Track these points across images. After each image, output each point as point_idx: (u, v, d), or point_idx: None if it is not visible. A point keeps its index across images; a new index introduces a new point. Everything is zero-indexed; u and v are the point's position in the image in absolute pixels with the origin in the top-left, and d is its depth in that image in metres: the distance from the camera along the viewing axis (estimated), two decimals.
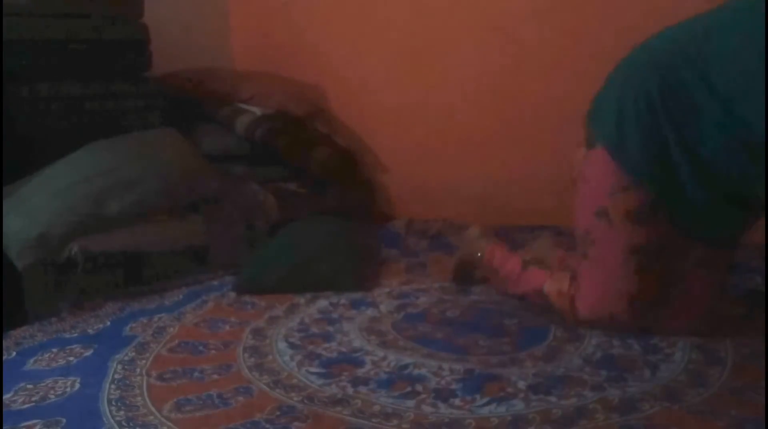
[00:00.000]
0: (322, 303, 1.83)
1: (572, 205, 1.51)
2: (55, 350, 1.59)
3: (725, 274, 1.50)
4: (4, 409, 1.30)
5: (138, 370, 1.45)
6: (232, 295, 1.91)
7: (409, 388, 1.31)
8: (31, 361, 1.54)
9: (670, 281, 1.43)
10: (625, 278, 1.40)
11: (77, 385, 1.40)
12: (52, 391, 1.37)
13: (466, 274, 1.89)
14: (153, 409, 1.28)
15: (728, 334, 1.46)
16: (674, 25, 1.40)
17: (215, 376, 1.41)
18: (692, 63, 1.28)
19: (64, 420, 1.25)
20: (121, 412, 1.26)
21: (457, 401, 1.26)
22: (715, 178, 1.31)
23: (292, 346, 1.55)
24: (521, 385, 1.30)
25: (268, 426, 1.20)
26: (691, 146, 1.30)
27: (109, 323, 1.75)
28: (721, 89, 1.24)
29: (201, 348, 1.57)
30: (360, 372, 1.40)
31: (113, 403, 1.30)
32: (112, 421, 1.24)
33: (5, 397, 1.35)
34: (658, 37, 1.41)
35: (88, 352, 1.57)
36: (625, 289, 1.41)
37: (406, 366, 1.41)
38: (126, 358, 1.52)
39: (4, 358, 1.56)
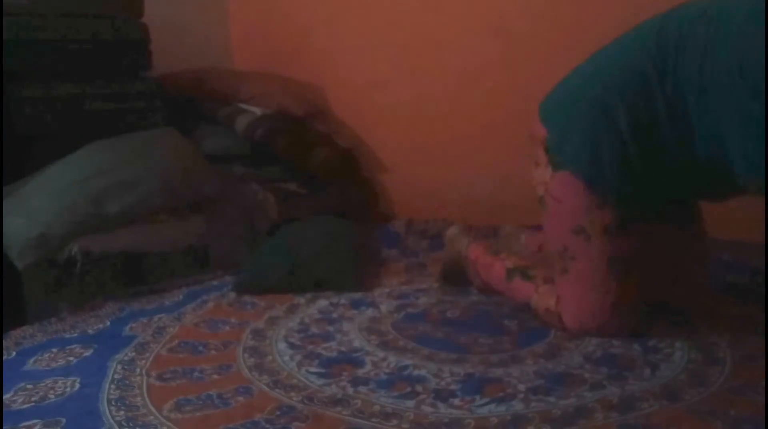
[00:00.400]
0: (322, 303, 1.83)
1: (543, 224, 1.54)
2: (55, 350, 1.59)
3: (704, 242, 1.61)
4: (4, 409, 1.30)
5: (138, 370, 1.45)
6: (232, 295, 1.91)
7: (408, 389, 1.31)
8: (31, 361, 1.54)
9: (654, 277, 1.51)
10: (607, 288, 1.44)
11: (77, 385, 1.39)
12: (51, 391, 1.37)
13: (454, 274, 1.89)
14: (153, 409, 1.28)
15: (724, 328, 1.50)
16: (620, 42, 1.45)
17: (215, 376, 1.41)
18: (662, 96, 1.33)
19: (63, 420, 1.25)
20: (121, 412, 1.26)
21: (456, 401, 1.26)
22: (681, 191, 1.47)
23: (292, 346, 1.55)
24: (521, 387, 1.30)
25: (268, 426, 1.20)
26: (658, 173, 1.40)
27: (108, 323, 1.75)
28: (687, 110, 1.31)
29: (201, 348, 1.57)
30: (360, 372, 1.40)
31: (113, 403, 1.30)
32: (111, 421, 1.24)
33: (5, 397, 1.35)
34: (616, 45, 1.45)
35: (88, 352, 1.57)
36: (608, 298, 1.45)
37: (405, 367, 1.41)
38: (126, 358, 1.52)
39: (4, 358, 1.56)
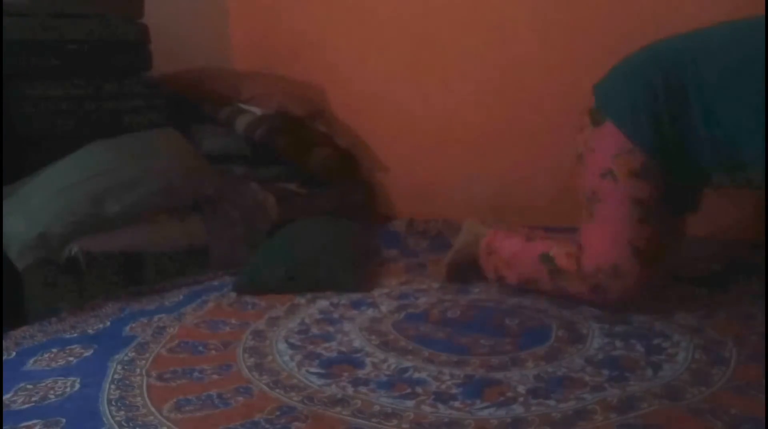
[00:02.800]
0: (323, 303, 1.83)
1: (578, 177, 1.66)
2: (55, 350, 1.59)
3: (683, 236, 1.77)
4: (4, 409, 1.30)
5: (138, 370, 1.45)
6: (233, 295, 1.91)
7: (408, 390, 1.31)
8: (31, 361, 1.54)
9: (662, 239, 1.61)
10: (629, 228, 1.56)
11: (77, 385, 1.39)
12: (52, 391, 1.37)
13: (461, 272, 1.90)
14: (153, 409, 1.28)
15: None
16: (679, 34, 1.60)
17: (215, 377, 1.41)
18: (689, 67, 1.50)
19: (63, 420, 1.25)
20: (121, 412, 1.26)
21: (456, 403, 1.26)
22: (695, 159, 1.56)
23: (292, 346, 1.55)
24: (521, 389, 1.29)
25: (268, 426, 1.20)
26: (681, 131, 1.53)
27: (109, 323, 1.75)
28: (706, 95, 1.47)
29: (201, 348, 1.57)
30: (360, 373, 1.40)
31: (113, 403, 1.30)
32: (111, 421, 1.23)
33: (5, 397, 1.35)
34: (662, 42, 1.61)
35: (88, 353, 1.57)
36: (629, 237, 1.55)
37: (406, 369, 1.41)
38: (126, 358, 1.52)
39: (4, 358, 1.56)
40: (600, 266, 1.57)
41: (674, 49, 1.57)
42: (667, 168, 1.56)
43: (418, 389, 1.31)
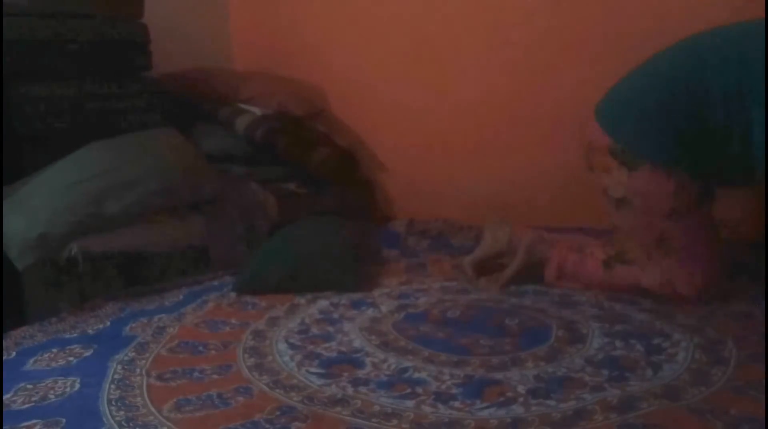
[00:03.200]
0: (323, 303, 1.83)
1: (620, 221, 1.70)
2: (55, 350, 1.59)
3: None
4: (4, 409, 1.30)
5: (138, 370, 1.45)
6: (233, 295, 1.91)
7: (409, 390, 1.31)
8: (31, 361, 1.54)
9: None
10: (710, 250, 1.66)
11: (77, 385, 1.39)
12: (51, 391, 1.37)
13: (488, 268, 1.92)
14: (153, 409, 1.28)
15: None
16: (674, 47, 1.63)
17: (215, 377, 1.41)
18: (735, 73, 1.49)
19: (63, 420, 1.25)
20: (121, 412, 1.26)
21: (456, 403, 1.26)
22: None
23: (292, 346, 1.55)
24: (521, 389, 1.29)
25: (268, 426, 1.20)
26: (732, 139, 1.54)
27: (108, 323, 1.75)
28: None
29: (201, 348, 1.57)
30: (360, 373, 1.40)
31: (113, 403, 1.30)
32: (111, 421, 1.23)
33: (5, 397, 1.35)
34: (667, 60, 1.63)
35: (88, 353, 1.57)
36: (713, 257, 1.66)
37: (406, 369, 1.41)
38: (126, 358, 1.52)
39: (4, 358, 1.55)
40: (702, 290, 1.65)
41: (693, 63, 1.56)
42: (719, 183, 1.64)
43: (418, 389, 1.31)
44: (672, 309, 1.63)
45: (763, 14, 1.54)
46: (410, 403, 1.26)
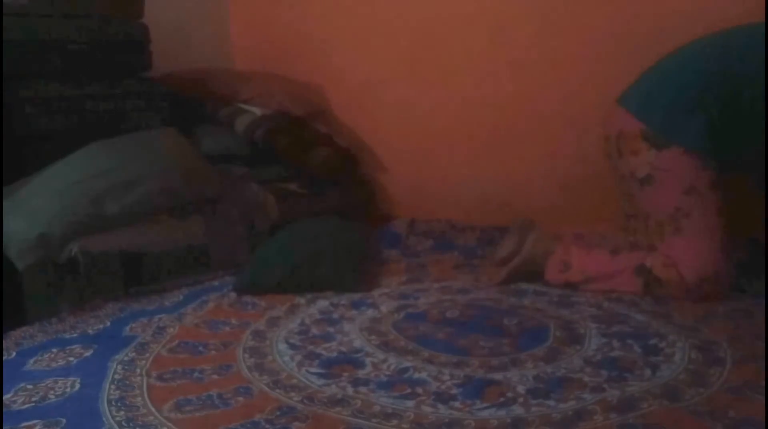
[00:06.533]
0: (323, 303, 1.83)
1: (643, 200, 1.76)
2: (55, 350, 1.59)
3: None
4: (4, 409, 1.30)
5: (138, 370, 1.45)
6: (233, 295, 1.91)
7: (408, 390, 1.31)
8: (31, 361, 1.54)
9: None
10: (719, 236, 1.69)
11: (77, 386, 1.39)
12: (52, 392, 1.37)
13: (521, 275, 1.91)
14: (153, 409, 1.28)
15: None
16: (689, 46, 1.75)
17: (215, 377, 1.41)
18: (744, 76, 1.64)
19: (64, 420, 1.25)
20: (121, 413, 1.27)
21: (456, 404, 1.26)
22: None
23: (292, 346, 1.55)
24: (521, 389, 1.30)
25: (268, 426, 1.20)
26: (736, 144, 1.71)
27: (109, 324, 1.75)
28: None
29: (201, 348, 1.57)
30: (360, 373, 1.40)
31: (113, 403, 1.31)
32: (112, 421, 1.24)
33: (5, 397, 1.35)
34: (696, 50, 1.75)
35: (88, 353, 1.57)
36: (722, 244, 1.69)
37: (406, 369, 1.41)
38: (126, 358, 1.52)
39: (4, 358, 1.55)
40: (704, 276, 1.67)
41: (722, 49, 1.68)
42: (738, 170, 1.74)
43: (418, 389, 1.32)
44: (669, 310, 1.64)
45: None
46: (410, 403, 1.26)
